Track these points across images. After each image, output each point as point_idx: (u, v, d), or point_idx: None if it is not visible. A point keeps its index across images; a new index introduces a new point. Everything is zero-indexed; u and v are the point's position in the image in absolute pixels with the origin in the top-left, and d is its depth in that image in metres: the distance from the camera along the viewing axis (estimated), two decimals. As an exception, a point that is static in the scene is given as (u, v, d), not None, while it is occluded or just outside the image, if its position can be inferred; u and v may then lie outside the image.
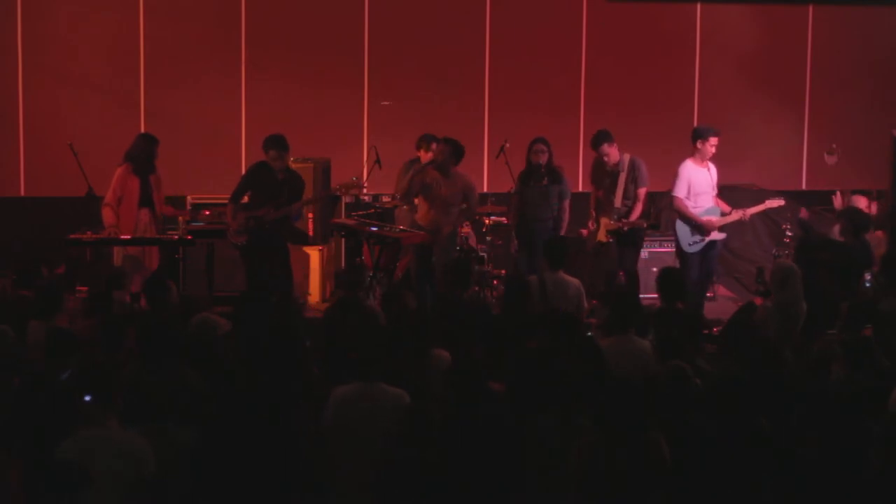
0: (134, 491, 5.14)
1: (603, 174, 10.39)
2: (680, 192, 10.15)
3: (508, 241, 10.94)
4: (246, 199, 9.89)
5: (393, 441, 5.41)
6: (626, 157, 10.30)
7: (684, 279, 8.67)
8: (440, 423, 5.55)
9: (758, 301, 8.75)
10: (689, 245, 10.16)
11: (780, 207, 10.73)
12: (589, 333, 7.90)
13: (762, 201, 10.45)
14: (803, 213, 10.48)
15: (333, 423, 5.74)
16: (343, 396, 5.79)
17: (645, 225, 10.35)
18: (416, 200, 10.12)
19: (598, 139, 10.32)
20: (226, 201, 10.01)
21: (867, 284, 9.32)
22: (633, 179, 10.26)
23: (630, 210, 10.28)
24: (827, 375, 6.45)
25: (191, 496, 5.33)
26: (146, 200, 10.09)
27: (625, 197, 10.27)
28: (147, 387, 5.59)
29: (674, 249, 10.77)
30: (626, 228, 10.22)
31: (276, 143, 9.70)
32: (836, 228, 9.80)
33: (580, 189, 12.18)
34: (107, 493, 5.04)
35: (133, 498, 5.14)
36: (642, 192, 10.30)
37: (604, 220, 10.34)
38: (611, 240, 10.30)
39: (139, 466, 5.17)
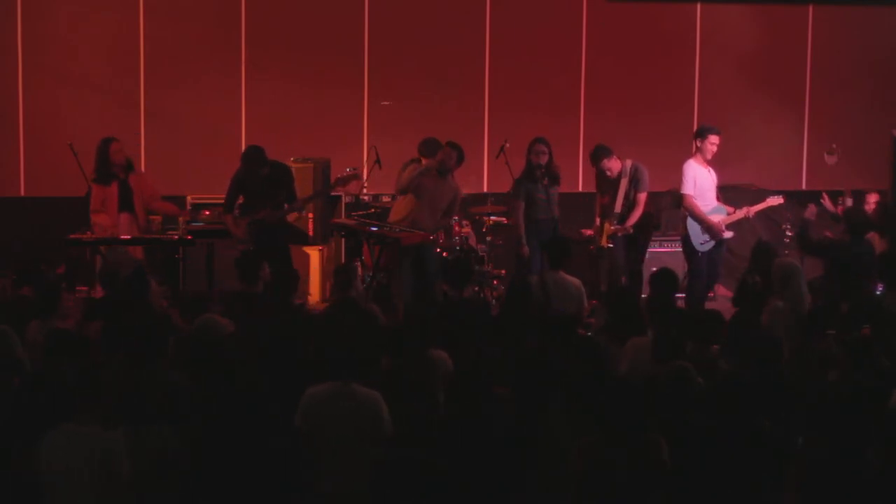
0: (107, 490, 5.12)
1: (606, 182, 10.39)
2: (688, 189, 10.17)
3: (509, 242, 10.84)
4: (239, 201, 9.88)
5: (385, 442, 5.41)
6: (629, 162, 10.29)
7: (680, 278, 8.66)
8: (440, 424, 5.55)
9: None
10: (701, 244, 10.16)
11: (779, 206, 10.75)
12: (588, 334, 7.90)
13: (762, 200, 10.47)
14: (811, 210, 10.31)
15: (306, 423, 5.70)
16: (316, 395, 5.74)
17: (632, 231, 10.27)
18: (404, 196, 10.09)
19: (598, 156, 10.29)
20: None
21: (878, 292, 9.22)
22: (635, 185, 10.26)
23: (628, 214, 10.29)
24: (827, 375, 6.45)
25: (184, 497, 5.32)
26: (126, 205, 10.06)
27: (625, 202, 10.27)
28: (132, 386, 5.59)
29: (674, 249, 10.73)
30: (619, 234, 10.24)
31: (253, 160, 9.57)
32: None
33: (580, 189, 12.19)
34: (79, 492, 5.06)
35: (107, 497, 5.13)
36: (642, 197, 10.30)
37: (605, 226, 10.34)
38: (611, 244, 10.30)
39: (109, 466, 5.13)
